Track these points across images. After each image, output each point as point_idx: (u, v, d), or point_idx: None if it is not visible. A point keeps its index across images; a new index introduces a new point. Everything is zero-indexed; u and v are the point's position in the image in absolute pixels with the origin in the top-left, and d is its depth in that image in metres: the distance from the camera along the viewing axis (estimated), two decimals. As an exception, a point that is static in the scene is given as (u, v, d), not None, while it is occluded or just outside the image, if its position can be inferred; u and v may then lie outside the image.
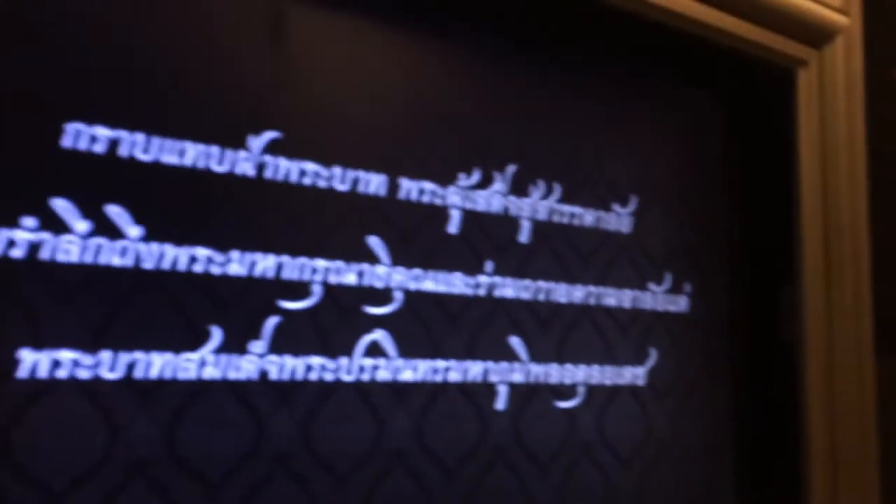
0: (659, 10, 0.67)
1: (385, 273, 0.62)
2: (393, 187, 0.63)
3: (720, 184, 0.78)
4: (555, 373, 0.69)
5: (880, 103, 0.76)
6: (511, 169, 0.68)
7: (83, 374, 0.50)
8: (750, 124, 0.77)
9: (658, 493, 0.74)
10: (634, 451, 0.73)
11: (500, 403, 0.66)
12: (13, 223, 0.49)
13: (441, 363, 0.64)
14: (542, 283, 0.69)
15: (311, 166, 0.59)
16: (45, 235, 0.50)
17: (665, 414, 0.75)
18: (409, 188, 0.63)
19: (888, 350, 0.77)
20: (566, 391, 0.69)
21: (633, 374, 0.73)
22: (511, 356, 0.67)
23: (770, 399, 0.77)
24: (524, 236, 0.69)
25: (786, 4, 0.69)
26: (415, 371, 0.62)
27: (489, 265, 0.66)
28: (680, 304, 0.77)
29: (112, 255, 0.52)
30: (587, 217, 0.72)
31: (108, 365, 0.51)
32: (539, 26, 0.72)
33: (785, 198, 0.74)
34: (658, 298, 0.75)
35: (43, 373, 0.49)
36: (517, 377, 0.67)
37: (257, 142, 0.57)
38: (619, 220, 0.74)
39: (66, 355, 0.50)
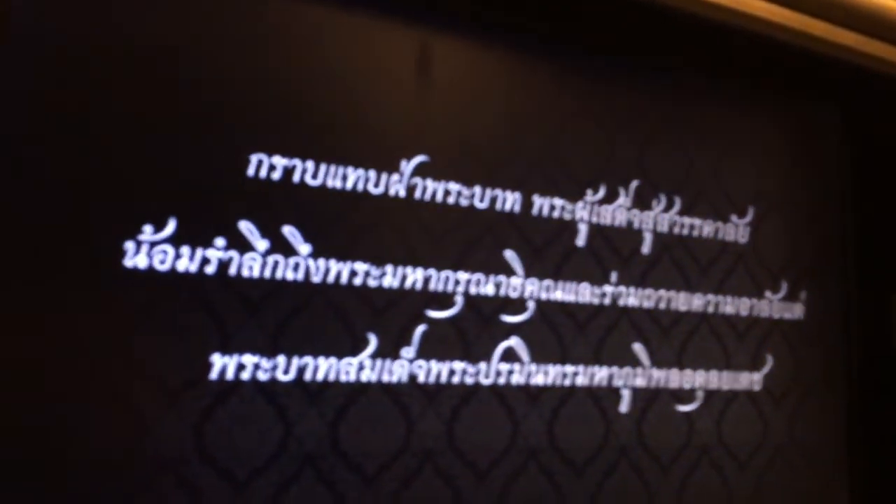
0: (782, 29, 0.69)
1: (519, 284, 0.66)
2: (527, 204, 0.67)
3: (834, 194, 0.80)
4: (675, 377, 0.72)
5: None
6: (634, 184, 0.72)
7: (263, 377, 0.56)
8: (864, 136, 0.79)
9: (774, 495, 0.76)
10: (751, 453, 0.75)
11: (624, 406, 0.69)
12: (208, 243, 0.55)
13: (570, 368, 0.68)
14: (663, 292, 0.72)
15: (454, 186, 0.64)
16: (233, 254, 0.56)
17: (781, 418, 0.77)
18: (541, 204, 0.68)
19: None
20: (686, 395, 0.72)
21: (750, 380, 0.76)
22: (634, 361, 0.70)
23: (883, 404, 0.78)
24: (646, 247, 0.72)
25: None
26: (546, 375, 0.66)
27: (614, 275, 0.70)
28: (795, 311, 0.79)
29: (286, 270, 0.58)
30: (706, 228, 0.75)
31: (282, 368, 0.57)
32: (659, 48, 0.75)
33: (896, 207, 0.76)
34: (774, 306, 0.78)
35: (230, 375, 0.55)
36: (640, 382, 0.71)
37: (408, 166, 0.63)
38: (736, 230, 0.76)
39: (249, 359, 0.56)
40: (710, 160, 0.76)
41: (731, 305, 0.76)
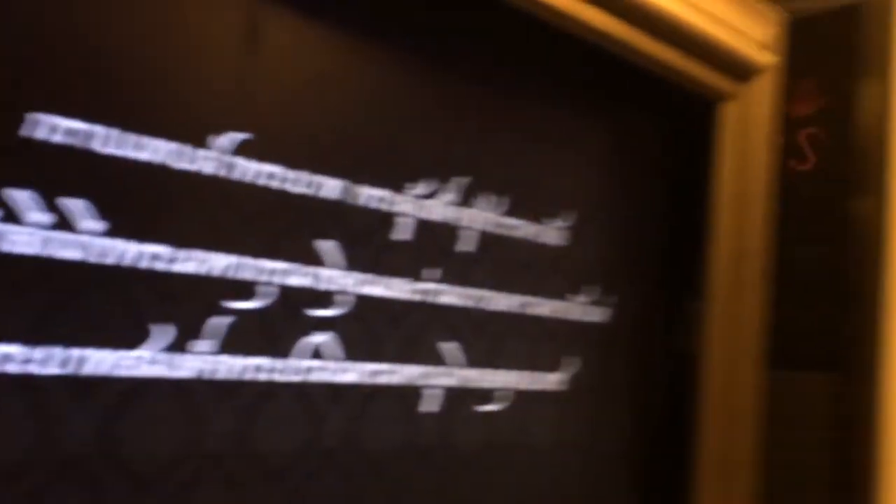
0: (610, 39, 0.69)
1: (335, 276, 0.62)
2: (350, 193, 0.63)
3: (645, 203, 0.83)
4: (484, 377, 0.72)
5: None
6: (461, 181, 0.70)
7: (15, 369, 0.48)
8: (677, 150, 0.82)
9: (569, 495, 0.79)
10: (550, 453, 0.77)
11: (430, 406, 0.68)
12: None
13: (379, 366, 0.65)
14: (480, 292, 0.71)
15: (273, 169, 0.58)
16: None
17: (581, 419, 0.79)
18: (365, 194, 0.63)
19: (779, 365, 0.85)
20: (492, 396, 0.72)
21: (555, 381, 0.77)
22: (445, 361, 0.69)
23: (671, 408, 0.83)
24: (469, 245, 0.70)
25: (716, 39, 0.73)
26: (355, 373, 0.63)
27: (434, 272, 0.68)
28: (602, 314, 0.81)
29: (66, 248, 0.49)
30: (527, 229, 0.75)
31: (45, 359, 0.49)
32: (493, 47, 0.73)
33: (702, 220, 0.80)
34: (583, 309, 0.79)
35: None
36: (449, 381, 0.69)
37: (221, 141, 0.56)
38: (555, 233, 0.77)
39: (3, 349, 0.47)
40: (537, 163, 0.76)
41: (543, 307, 0.76)
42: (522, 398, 0.75)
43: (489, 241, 0.72)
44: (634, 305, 0.83)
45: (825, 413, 1.04)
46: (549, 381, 0.77)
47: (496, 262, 0.73)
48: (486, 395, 0.72)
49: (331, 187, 0.61)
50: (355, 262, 0.63)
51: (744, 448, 0.79)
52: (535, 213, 0.75)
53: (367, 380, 0.65)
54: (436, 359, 0.69)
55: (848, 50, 1.09)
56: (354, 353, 0.63)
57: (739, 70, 0.74)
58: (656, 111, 0.82)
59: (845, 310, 1.08)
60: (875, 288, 1.08)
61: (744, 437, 0.79)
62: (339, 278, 0.62)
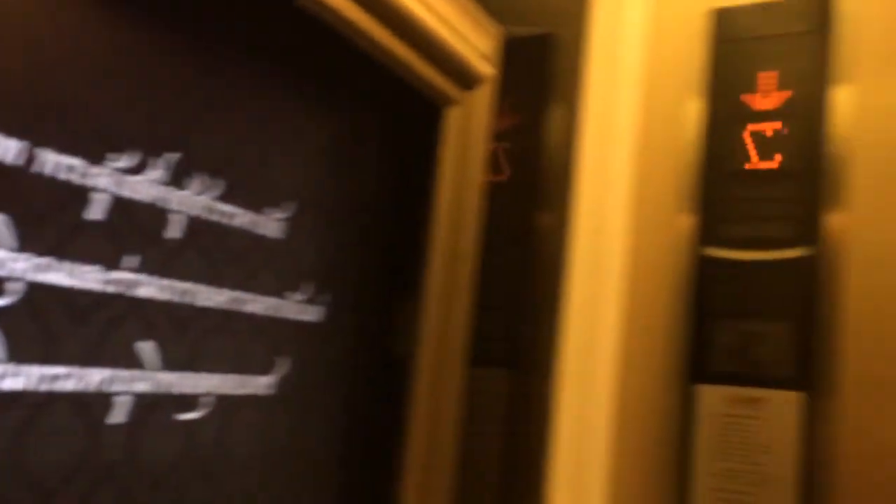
0: (336, 17, 0.65)
1: (6, 258, 0.50)
2: (30, 158, 0.51)
3: (368, 201, 0.80)
4: (184, 382, 0.64)
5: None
6: (172, 157, 0.61)
7: None
8: (403, 150, 0.81)
9: (270, 501, 0.73)
10: (254, 461, 0.71)
11: (119, 416, 0.58)
12: None
13: (56, 369, 0.54)
14: (186, 285, 0.63)
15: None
16: None
17: (287, 425, 0.75)
18: (50, 161, 0.52)
19: (480, 363, 0.89)
20: (193, 402, 0.65)
21: (262, 384, 0.72)
22: (140, 363, 0.60)
23: (382, 411, 0.82)
24: (175, 231, 0.62)
25: (448, 43, 0.74)
26: (24, 378, 0.52)
27: (131, 260, 0.58)
28: (315, 314, 0.77)
29: None
30: (243, 218, 0.68)
31: None
32: (222, 18, 0.65)
33: (422, 221, 0.80)
34: (296, 307, 0.75)
35: None
36: (143, 387, 0.60)
37: None
38: (273, 224, 0.71)
39: None
40: (259, 147, 0.69)
41: (255, 304, 0.70)
42: (227, 403, 0.68)
43: (200, 228, 0.64)
44: (350, 305, 0.80)
45: (504, 407, 1.11)
46: (257, 384, 0.71)
47: (206, 252, 0.65)
48: (186, 401, 0.64)
49: (4, 148, 0.50)
50: (31, 243, 0.52)
51: (447, 448, 0.80)
52: (252, 201, 0.69)
53: (41, 386, 0.53)
54: (130, 361, 0.59)
55: (542, 74, 1.18)
56: (24, 353, 0.52)
57: (465, 77, 0.75)
58: (387, 109, 0.80)
59: (528, 313, 1.17)
60: (554, 295, 1.19)
61: (447, 437, 0.80)
62: (7, 261, 0.51)
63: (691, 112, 1.30)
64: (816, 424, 1.13)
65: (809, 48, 1.24)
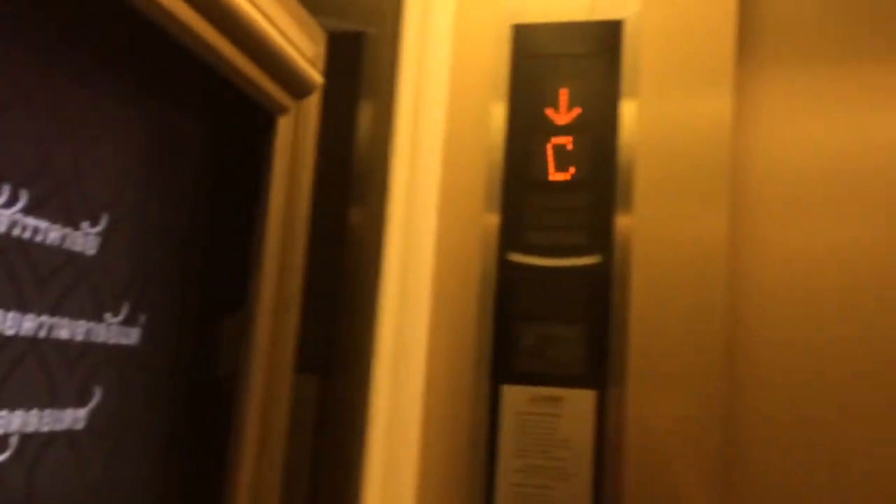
0: (165, 16, 0.60)
1: None
2: None
3: (191, 211, 0.75)
4: (-18, 422, 0.55)
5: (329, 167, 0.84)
6: (-28, 165, 0.52)
7: None
8: (230, 157, 0.76)
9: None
10: (69, 499, 0.63)
11: None
12: None
13: None
14: (-14, 312, 0.54)
15: None
16: None
17: (101, 458, 0.67)
18: None
19: (305, 370, 0.87)
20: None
21: (74, 417, 0.64)
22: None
23: (205, 436, 0.77)
24: (-26, 251, 0.53)
25: (282, 51, 0.71)
26: None
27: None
28: (132, 336, 0.70)
29: None
30: (52, 234, 0.60)
31: None
32: (35, 11, 0.57)
33: (250, 233, 0.76)
34: (112, 330, 0.68)
35: None
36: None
37: None
38: (85, 240, 0.64)
39: None
40: (71, 155, 0.62)
41: (67, 329, 0.63)
42: (35, 442, 0.60)
43: (1, 245, 0.56)
44: (170, 324, 0.74)
45: (316, 413, 1.10)
46: (69, 418, 0.64)
47: (10, 272, 0.57)
48: (-13, 444, 0.56)
49: None
50: None
51: (276, 466, 0.77)
52: (63, 215, 0.61)
53: None
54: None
55: (356, 72, 1.17)
56: None
57: (297, 85, 0.73)
58: (215, 116, 0.75)
59: (340, 316, 1.16)
60: (367, 297, 1.19)
61: (277, 456, 0.77)
62: None
63: (498, 121, 1.35)
64: (609, 419, 1.23)
65: (596, 68, 1.34)
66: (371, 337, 1.21)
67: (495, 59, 1.37)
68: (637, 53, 1.31)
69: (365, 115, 1.22)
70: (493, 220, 1.34)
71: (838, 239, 1.26)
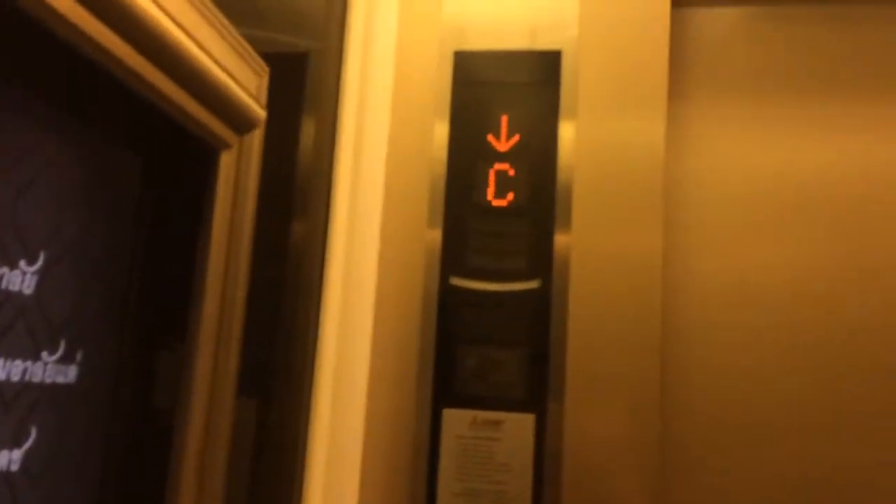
0: (106, 55, 0.61)
1: None
2: None
3: (130, 247, 0.74)
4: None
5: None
6: None
7: None
8: (171, 193, 0.76)
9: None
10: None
11: None
12: None
13: None
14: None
15: None
16: None
17: (37, 501, 0.66)
18: None
19: (244, 394, 0.87)
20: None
21: (9, 459, 0.63)
22: None
23: (143, 471, 0.76)
24: None
25: (225, 87, 0.72)
26: None
27: None
28: (69, 374, 0.69)
29: None
30: (-13, 273, 0.59)
31: None
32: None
33: (190, 268, 0.76)
34: (49, 368, 0.66)
35: None
36: None
37: None
38: (23, 278, 0.63)
39: None
40: (8, 194, 0.61)
41: (2, 370, 0.61)
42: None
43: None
44: (108, 361, 0.73)
45: (257, 438, 1.09)
46: (3, 460, 0.62)
47: (-56, 315, 0.56)
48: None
49: None
50: None
51: (216, 499, 0.77)
52: (7, 254, 0.60)
53: None
54: None
55: (300, 90, 1.18)
56: None
57: (240, 121, 0.73)
58: (157, 151, 0.74)
59: (282, 337, 1.16)
60: (308, 320, 1.19)
61: (218, 487, 0.77)
62: None
63: (441, 142, 1.36)
64: (548, 442, 1.25)
65: (536, 96, 1.37)
66: (312, 360, 1.21)
67: (439, 83, 1.39)
68: (575, 82, 1.34)
69: (307, 133, 1.23)
70: (436, 240, 1.35)
71: (764, 255, 1.31)
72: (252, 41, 1.00)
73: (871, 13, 1.23)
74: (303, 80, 1.22)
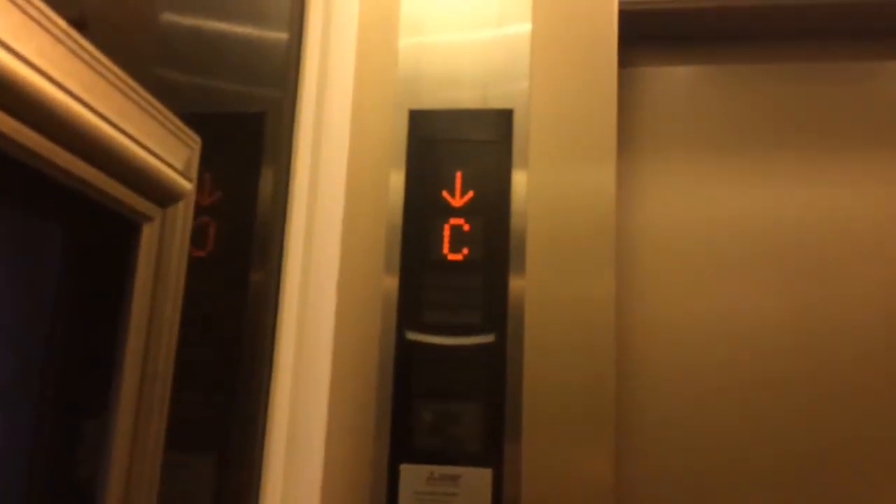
0: (18, 147, 0.62)
1: None
2: None
3: (51, 321, 0.76)
4: None
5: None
6: None
7: None
8: (92, 267, 0.78)
9: None
10: None
11: None
12: None
13: None
14: None
15: None
16: None
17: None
18: None
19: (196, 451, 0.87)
20: None
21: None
22: None
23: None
24: None
25: (143, 163, 0.74)
26: None
27: None
28: (-15, 448, 0.70)
29: None
30: None
31: None
32: None
33: (112, 339, 0.77)
34: (-39, 445, 0.68)
35: None
36: None
37: None
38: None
39: None
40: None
41: None
42: None
43: None
44: (27, 433, 0.74)
45: (209, 498, 1.09)
46: None
47: None
48: None
49: None
50: None
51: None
52: None
53: None
54: None
55: (256, 148, 1.20)
56: None
57: (163, 195, 0.75)
58: (76, 226, 0.76)
59: (235, 394, 1.16)
60: (261, 376, 1.19)
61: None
62: None
63: (397, 202, 1.38)
64: (505, 496, 1.25)
65: (489, 153, 1.39)
66: (264, 416, 1.21)
67: (394, 141, 1.42)
68: (526, 138, 1.37)
69: (263, 191, 1.24)
70: (392, 293, 1.36)
71: (712, 302, 1.32)
72: (201, 102, 1.03)
73: (808, 71, 1.26)
74: (257, 139, 1.24)
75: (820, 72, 1.26)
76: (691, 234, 1.34)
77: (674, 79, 1.37)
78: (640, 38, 1.38)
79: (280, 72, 1.30)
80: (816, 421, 1.22)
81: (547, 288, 1.31)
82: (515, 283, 1.32)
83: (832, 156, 1.29)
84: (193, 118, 0.84)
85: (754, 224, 1.30)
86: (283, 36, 1.31)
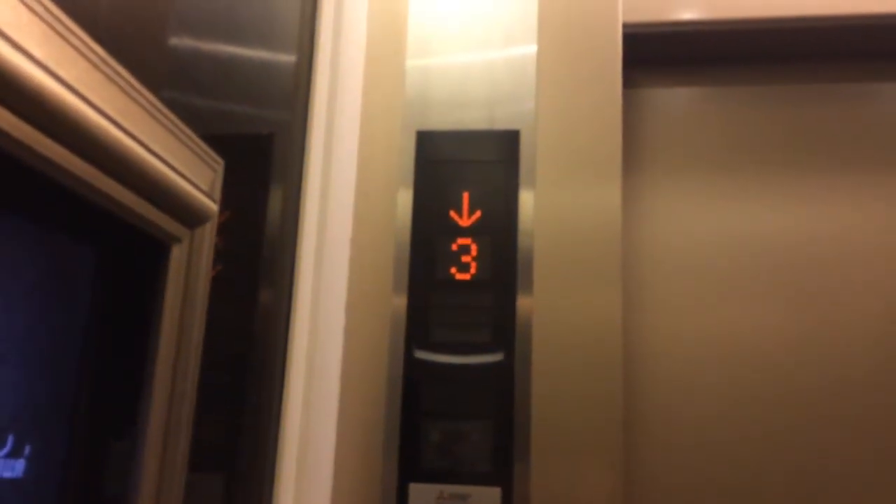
0: (55, 168, 0.64)
1: None
2: None
3: (81, 341, 0.76)
4: None
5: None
6: None
7: None
8: (121, 287, 0.79)
9: None
10: None
11: None
12: None
13: None
14: None
15: None
16: None
17: None
18: None
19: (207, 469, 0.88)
20: None
21: (-49, 558, 0.64)
22: None
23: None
24: None
25: (174, 185, 0.75)
26: None
27: None
28: (16, 469, 0.70)
29: None
30: (-67, 377, 0.61)
31: None
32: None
33: (140, 361, 0.78)
34: (-5, 465, 0.68)
35: None
36: None
37: None
38: (-32, 379, 0.64)
39: None
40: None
41: (-55, 470, 0.63)
42: None
43: None
44: (56, 454, 0.75)
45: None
46: (-55, 560, 0.63)
47: None
48: None
49: None
50: None
51: None
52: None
53: None
54: None
55: (268, 169, 1.22)
56: None
57: (190, 217, 0.76)
58: (106, 246, 0.77)
59: (247, 413, 1.17)
60: (273, 394, 1.20)
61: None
62: None
63: (405, 222, 1.39)
64: (510, 516, 1.24)
65: (496, 173, 1.41)
66: (275, 437, 1.22)
67: (402, 162, 1.44)
68: (533, 158, 1.39)
69: (273, 212, 1.26)
70: (401, 312, 1.37)
71: (719, 319, 1.34)
72: (213, 125, 1.04)
73: (809, 92, 1.29)
74: (268, 160, 1.26)
75: (821, 93, 1.29)
76: (696, 252, 1.36)
77: (677, 100, 1.40)
78: (643, 60, 1.40)
79: (291, 94, 1.32)
80: (823, 437, 1.23)
81: (554, 307, 1.32)
82: (523, 302, 1.34)
83: (834, 175, 1.32)
84: (208, 140, 0.85)
85: (758, 242, 1.32)
86: (293, 59, 1.33)
